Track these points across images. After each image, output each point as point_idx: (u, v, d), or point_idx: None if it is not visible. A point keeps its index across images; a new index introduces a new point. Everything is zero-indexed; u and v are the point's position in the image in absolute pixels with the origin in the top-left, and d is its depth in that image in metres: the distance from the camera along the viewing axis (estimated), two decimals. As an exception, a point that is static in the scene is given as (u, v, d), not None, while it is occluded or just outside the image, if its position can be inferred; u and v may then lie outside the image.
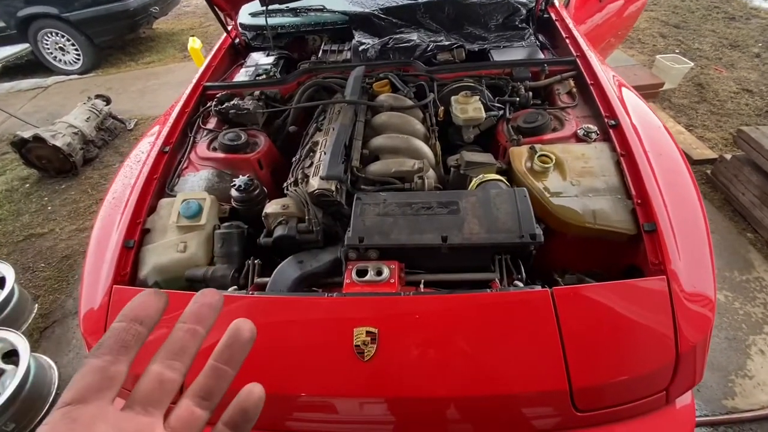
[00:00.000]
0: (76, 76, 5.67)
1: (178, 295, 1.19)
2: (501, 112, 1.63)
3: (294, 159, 1.58)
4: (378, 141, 1.54)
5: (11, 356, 1.91)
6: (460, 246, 1.18)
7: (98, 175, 3.51)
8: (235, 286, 1.26)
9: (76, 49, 5.59)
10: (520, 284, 1.16)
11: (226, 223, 1.41)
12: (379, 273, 1.18)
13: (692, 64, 3.80)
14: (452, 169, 1.45)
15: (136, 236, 1.38)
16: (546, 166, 1.34)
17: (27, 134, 3.22)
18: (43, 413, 1.87)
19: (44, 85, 5.52)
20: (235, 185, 1.42)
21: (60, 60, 5.69)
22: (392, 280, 1.17)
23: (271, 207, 1.36)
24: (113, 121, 4.05)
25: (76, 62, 5.71)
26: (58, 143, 3.26)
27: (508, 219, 1.20)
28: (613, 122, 1.45)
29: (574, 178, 1.33)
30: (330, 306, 1.10)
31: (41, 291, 2.48)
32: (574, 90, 1.67)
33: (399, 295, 1.09)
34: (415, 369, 1.01)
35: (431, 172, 1.42)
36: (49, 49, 5.58)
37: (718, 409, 1.62)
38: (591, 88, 1.61)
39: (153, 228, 1.42)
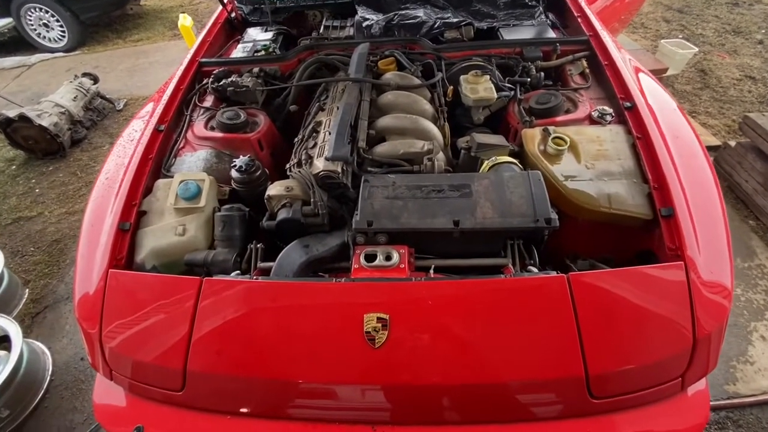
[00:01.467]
0: (61, 54, 5.44)
1: (176, 279, 1.14)
2: (512, 92, 1.57)
3: (296, 139, 1.51)
4: (385, 121, 1.47)
5: (3, 342, 1.85)
6: (473, 230, 1.14)
7: (87, 157, 3.39)
8: (238, 271, 1.21)
9: (61, 26, 5.35)
10: (535, 270, 1.12)
11: (227, 206, 1.35)
12: (388, 258, 1.14)
13: (696, 49, 3.75)
14: (462, 151, 1.40)
15: (132, 218, 1.31)
16: (560, 148, 1.29)
17: (12, 113, 3.08)
18: (37, 399, 1.83)
19: (28, 63, 5.29)
20: (235, 166, 1.36)
21: (44, 37, 5.45)
22: (402, 266, 1.13)
23: (275, 189, 1.30)
24: (102, 101, 3.90)
25: (61, 39, 5.47)
26: (45, 123, 3.13)
27: (523, 203, 1.16)
28: (628, 104, 1.40)
29: (589, 161, 1.29)
30: (339, 291, 1.06)
31: (31, 276, 2.40)
32: (587, 70, 1.61)
33: (410, 281, 1.05)
34: (427, 356, 0.97)
35: (441, 154, 1.37)
36: (32, 25, 5.33)
37: (720, 395, 1.63)
38: (605, 68, 1.56)
39: (149, 210, 1.35)
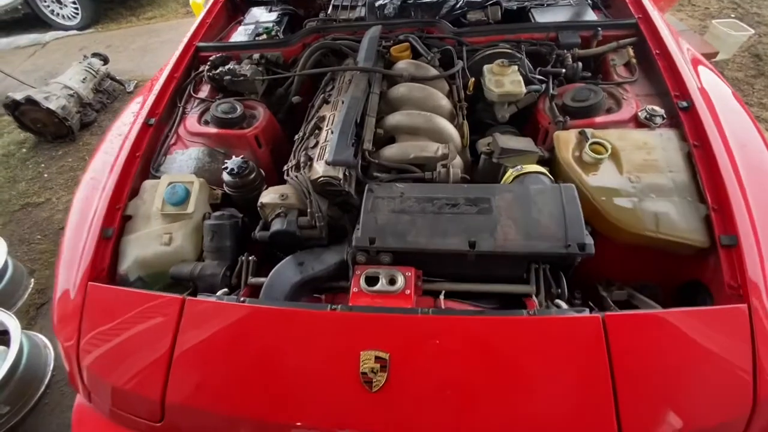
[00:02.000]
0: (75, 32, 5.36)
1: (156, 298, 1.03)
2: (543, 86, 1.36)
3: (297, 136, 1.36)
4: (395, 119, 1.30)
5: (2, 335, 1.82)
6: (492, 254, 0.98)
7: (96, 141, 3.32)
8: (225, 289, 1.09)
9: (74, 2, 5.25)
10: (563, 304, 0.96)
11: (218, 212, 1.22)
12: (392, 282, 1.00)
13: (752, 31, 3.34)
14: (483, 156, 1.22)
15: (116, 224, 1.20)
16: (599, 156, 1.10)
17: (19, 96, 3.03)
18: (38, 395, 1.81)
19: (42, 41, 5.25)
20: (227, 168, 1.22)
21: (57, 14, 5.37)
22: (407, 291, 0.99)
23: (268, 196, 1.16)
24: (111, 83, 3.81)
25: (74, 17, 5.38)
26: (52, 106, 3.07)
27: (552, 223, 0.99)
28: (684, 103, 1.18)
29: (633, 173, 1.09)
30: (334, 322, 0.93)
31: (37, 265, 2.38)
32: (634, 61, 1.38)
33: (416, 313, 0.91)
34: (431, 406, 0.84)
35: (458, 160, 1.20)
36: (45, 1, 5.25)
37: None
38: (656, 59, 1.33)
39: (135, 214, 1.24)
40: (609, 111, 1.27)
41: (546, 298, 1.03)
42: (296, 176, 1.17)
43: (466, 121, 1.31)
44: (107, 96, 3.75)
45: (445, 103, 1.34)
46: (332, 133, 1.22)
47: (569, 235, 0.97)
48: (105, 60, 3.83)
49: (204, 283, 1.13)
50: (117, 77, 3.88)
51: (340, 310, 0.93)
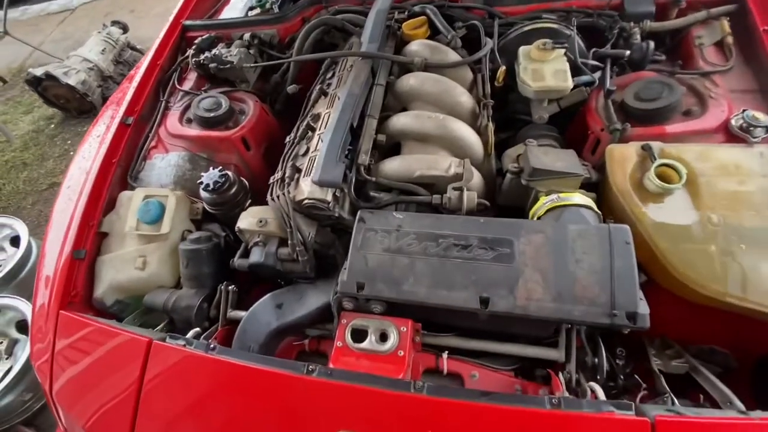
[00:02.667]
0: (101, -4, 5.26)
1: (124, 337, 0.93)
2: (598, 76, 1.04)
3: (288, 138, 1.16)
4: (400, 121, 1.05)
5: (23, 325, 1.88)
6: (509, 315, 0.77)
7: (118, 117, 3.29)
8: (197, 329, 0.96)
9: (98, -37, 5.09)
10: (598, 390, 0.75)
11: (195, 235, 1.08)
12: (383, 338, 0.83)
13: None
14: (509, 174, 0.96)
15: (89, 243, 1.10)
16: (668, 186, 0.81)
17: (39, 71, 2.99)
18: (61, 381, 1.87)
19: (71, 6, 5.20)
20: (201, 183, 1.05)
21: (84, -24, 5.26)
22: (401, 353, 0.81)
23: (246, 221, 0.99)
24: (132, 53, 3.70)
25: (99, -21, 5.25)
26: (71, 81, 3.02)
27: (594, 281, 0.75)
28: (803, 107, 0.84)
29: (716, 210, 0.80)
30: (309, 390, 0.78)
31: (61, 248, 2.43)
32: (731, 40, 1.01)
33: (408, 390, 0.74)
34: None
35: (476, 179, 0.94)
36: (71, -37, 5.14)
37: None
38: (764, 39, 0.95)
39: (111, 231, 1.13)
40: (688, 114, 0.94)
41: (577, 370, 0.81)
42: (277, 198, 0.98)
43: (491, 123, 1.03)
44: (128, 67, 3.65)
45: (465, 99, 1.06)
46: (322, 141, 1.00)
47: (617, 299, 0.73)
48: (124, 28, 3.70)
49: (179, 316, 1.02)
50: (138, 46, 3.75)
51: (317, 376, 0.78)
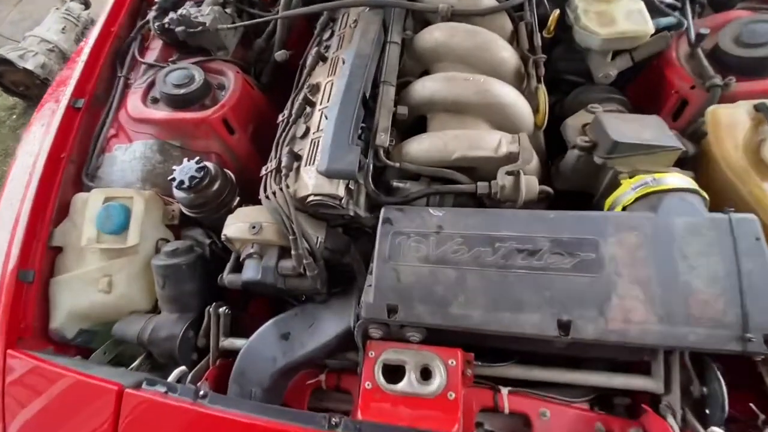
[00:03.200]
0: (60, -30, 4.76)
1: (86, 385, 0.72)
2: (682, 21, 0.80)
3: (280, 117, 0.92)
4: (428, 88, 0.81)
5: None
6: (599, 343, 0.57)
7: (88, 104, 2.97)
8: (183, 368, 0.75)
9: (52, -68, 4.58)
10: (719, 433, 0.56)
11: (172, 245, 0.85)
12: (425, 375, 0.63)
13: None
14: (576, 152, 0.73)
15: (37, 262, 0.87)
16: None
17: (-9, 55, 2.65)
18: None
19: (28, -17, 4.70)
20: (173, 179, 0.82)
21: (38, -52, 4.74)
22: (451, 395, 0.62)
23: (233, 227, 0.77)
24: (97, 31, 3.33)
25: (56, -50, 4.74)
26: (29, 65, 2.68)
27: (716, 293, 0.55)
28: None
29: None
30: (333, 454, 0.58)
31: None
32: None
33: (467, 453, 0.54)
34: None
35: (534, 162, 0.72)
36: (21, -67, 4.61)
37: None
38: None
39: (66, 245, 0.90)
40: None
41: (683, 404, 0.62)
42: (273, 195, 0.75)
43: (543, 86, 0.80)
44: (94, 48, 3.30)
45: (508, 55, 0.82)
46: (326, 119, 0.77)
47: (750, 317, 0.54)
48: (86, 4, 3.31)
49: (159, 349, 0.81)
50: (102, 24, 3.38)
51: (343, 433, 0.58)
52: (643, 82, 0.88)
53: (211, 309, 0.81)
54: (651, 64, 0.84)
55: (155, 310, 0.87)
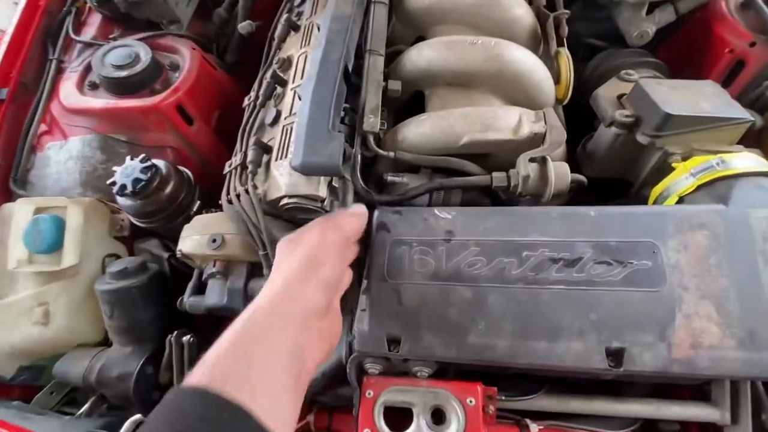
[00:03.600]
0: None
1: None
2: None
3: (246, 101, 0.76)
4: (425, 56, 0.65)
5: None
6: (662, 377, 0.44)
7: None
8: (139, 416, 0.61)
9: None
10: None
11: (119, 264, 0.69)
12: (438, 418, 0.51)
13: None
14: (614, 131, 0.59)
15: (-44, 291, 0.71)
16: None
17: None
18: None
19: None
20: (114, 183, 0.66)
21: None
22: (471, 440, 0.48)
23: (189, 241, 0.62)
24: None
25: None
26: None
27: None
28: None
29: None
30: None
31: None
32: None
33: None
34: None
35: (562, 147, 0.57)
36: None
37: None
38: None
39: (-8, 267, 0.74)
40: None
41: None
42: (238, 196, 0.60)
43: (565, 50, 0.65)
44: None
45: (522, 12, 0.66)
46: (300, 100, 0.61)
47: None
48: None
49: (112, 391, 0.66)
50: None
51: None
52: (680, 42, 0.74)
53: (172, 338, 0.67)
54: (692, 19, 0.69)
55: (106, 342, 0.72)
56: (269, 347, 0.33)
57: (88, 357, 0.68)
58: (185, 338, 0.67)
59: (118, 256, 0.75)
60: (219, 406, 0.28)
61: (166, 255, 0.75)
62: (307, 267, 0.38)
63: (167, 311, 0.71)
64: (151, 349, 0.69)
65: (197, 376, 0.29)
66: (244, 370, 0.30)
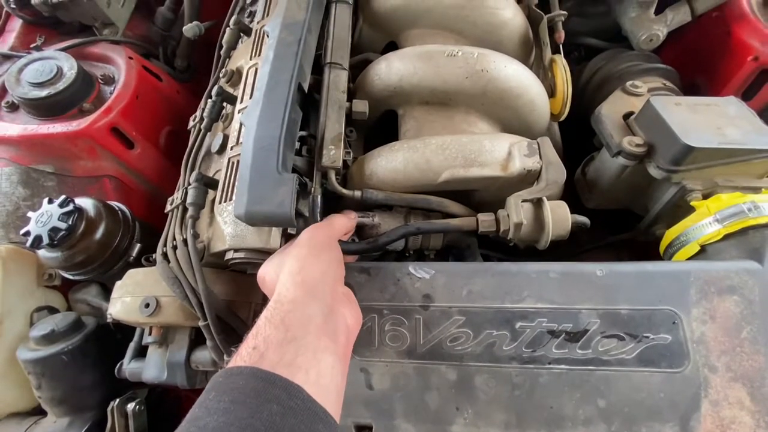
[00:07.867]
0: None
1: None
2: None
3: (191, 123, 0.65)
4: (394, 70, 0.55)
5: None
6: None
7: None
8: None
9: None
10: None
11: (45, 324, 0.59)
12: None
13: None
14: (621, 160, 0.49)
15: None
16: None
17: None
18: None
19: None
20: (29, 235, 0.55)
21: None
22: None
23: (120, 304, 0.51)
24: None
25: None
26: None
27: None
28: None
29: None
30: None
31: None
32: None
33: None
34: None
35: (561, 172, 0.47)
36: None
37: None
38: None
39: None
40: None
41: None
42: (175, 248, 0.50)
43: (561, 58, 0.55)
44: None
45: (511, 14, 0.55)
46: (245, 127, 0.50)
47: None
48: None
49: (44, 472, 0.57)
50: None
51: None
52: (689, 44, 0.64)
53: (115, 406, 0.58)
54: (707, 19, 0.59)
55: (40, 410, 0.63)
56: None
57: (21, 427, 0.58)
58: (130, 406, 0.58)
59: (51, 309, 0.65)
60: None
61: (107, 305, 0.65)
62: (315, 248, 0.40)
63: (110, 373, 0.61)
64: (92, 418, 0.60)
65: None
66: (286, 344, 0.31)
